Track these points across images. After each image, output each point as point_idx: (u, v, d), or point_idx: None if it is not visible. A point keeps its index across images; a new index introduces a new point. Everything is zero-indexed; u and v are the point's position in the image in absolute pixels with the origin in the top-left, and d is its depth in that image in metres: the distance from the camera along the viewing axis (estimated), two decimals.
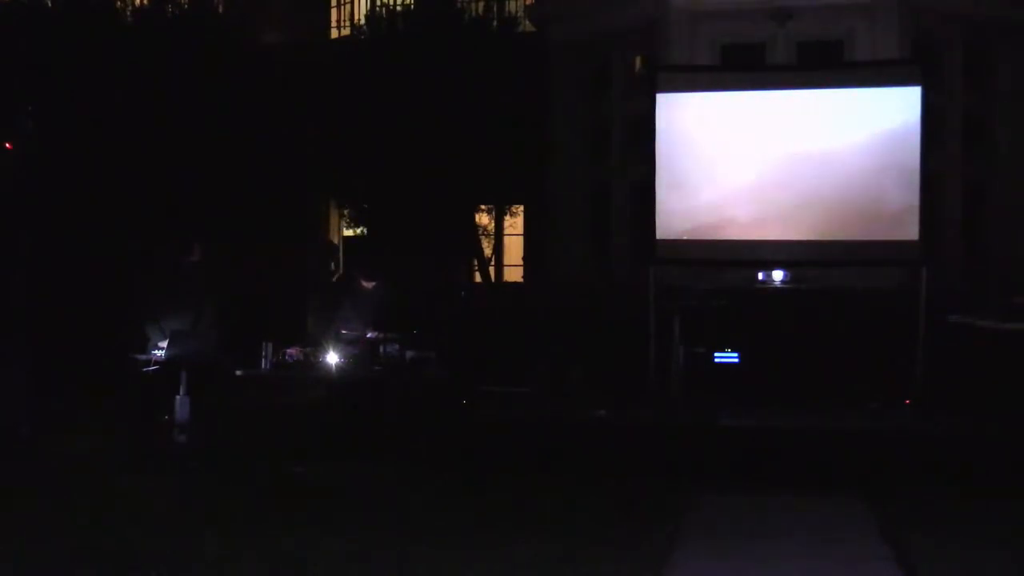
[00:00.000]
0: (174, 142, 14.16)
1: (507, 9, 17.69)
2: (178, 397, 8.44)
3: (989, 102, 14.48)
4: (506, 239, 18.77)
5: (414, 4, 17.67)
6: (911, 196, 10.23)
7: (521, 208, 18.27)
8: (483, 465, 8.22)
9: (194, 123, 14.37)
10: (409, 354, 9.20)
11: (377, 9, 18.41)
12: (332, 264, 18.30)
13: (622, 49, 15.19)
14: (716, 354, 10.53)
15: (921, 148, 10.22)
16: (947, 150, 13.73)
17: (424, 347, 9.42)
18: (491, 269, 18.31)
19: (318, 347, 9.29)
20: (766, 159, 10.53)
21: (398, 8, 17.85)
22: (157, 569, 5.61)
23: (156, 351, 8.56)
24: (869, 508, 7.17)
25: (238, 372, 9.14)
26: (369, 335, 9.31)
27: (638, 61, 15.17)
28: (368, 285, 9.66)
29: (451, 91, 15.41)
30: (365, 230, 17.86)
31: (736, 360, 10.54)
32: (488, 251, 18.09)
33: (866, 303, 11.21)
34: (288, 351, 9.21)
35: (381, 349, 9.18)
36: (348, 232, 19.18)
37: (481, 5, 17.53)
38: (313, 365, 9.15)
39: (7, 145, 11.35)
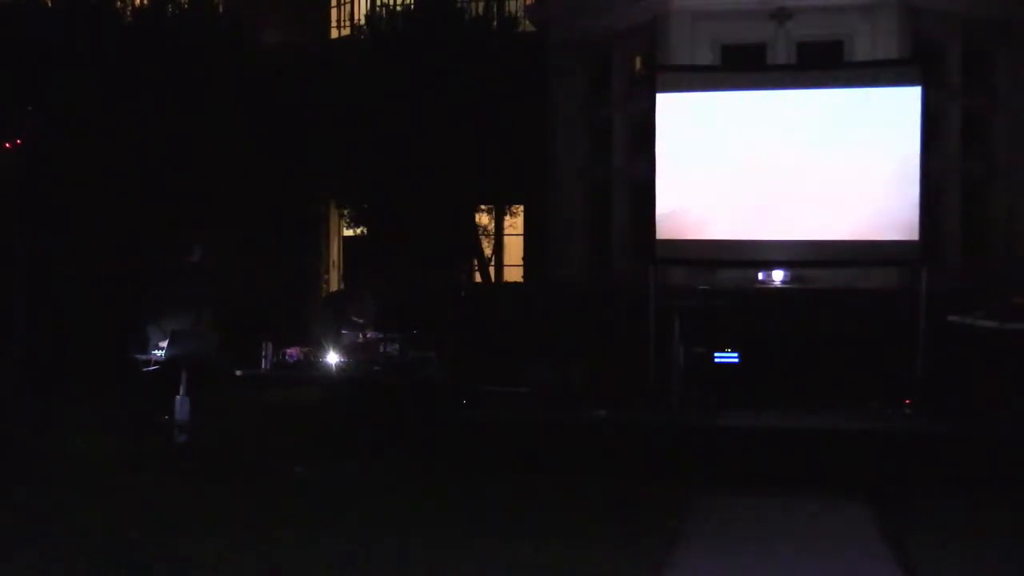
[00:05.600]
0: (174, 142, 14.16)
1: (507, 9, 17.67)
2: (178, 397, 8.45)
3: (989, 102, 14.45)
4: (506, 239, 18.73)
5: (414, 4, 17.64)
6: (911, 196, 10.23)
7: (521, 208, 18.25)
8: (483, 465, 8.22)
9: (194, 123, 14.36)
10: (409, 354, 9.21)
11: (377, 9, 18.38)
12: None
13: (622, 49, 15.16)
14: (716, 354, 10.53)
15: (921, 148, 10.24)
16: (947, 150, 13.70)
17: (424, 347, 9.43)
18: (491, 269, 18.27)
19: (318, 347, 9.30)
20: (766, 159, 10.53)
21: (398, 8, 17.82)
22: (157, 569, 5.62)
23: (156, 351, 8.56)
24: (869, 508, 7.18)
25: (238, 372, 9.14)
26: (369, 335, 9.31)
27: (638, 61, 15.15)
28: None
29: (451, 91, 15.41)
30: (365, 230, 17.83)
31: (736, 360, 10.54)
32: (488, 251, 18.06)
33: (866, 303, 11.20)
34: (288, 351, 9.21)
35: (381, 349, 9.19)
36: (348, 232, 19.15)
37: (481, 5, 17.51)
38: (313, 365, 9.15)
39: (7, 145, 11.35)
